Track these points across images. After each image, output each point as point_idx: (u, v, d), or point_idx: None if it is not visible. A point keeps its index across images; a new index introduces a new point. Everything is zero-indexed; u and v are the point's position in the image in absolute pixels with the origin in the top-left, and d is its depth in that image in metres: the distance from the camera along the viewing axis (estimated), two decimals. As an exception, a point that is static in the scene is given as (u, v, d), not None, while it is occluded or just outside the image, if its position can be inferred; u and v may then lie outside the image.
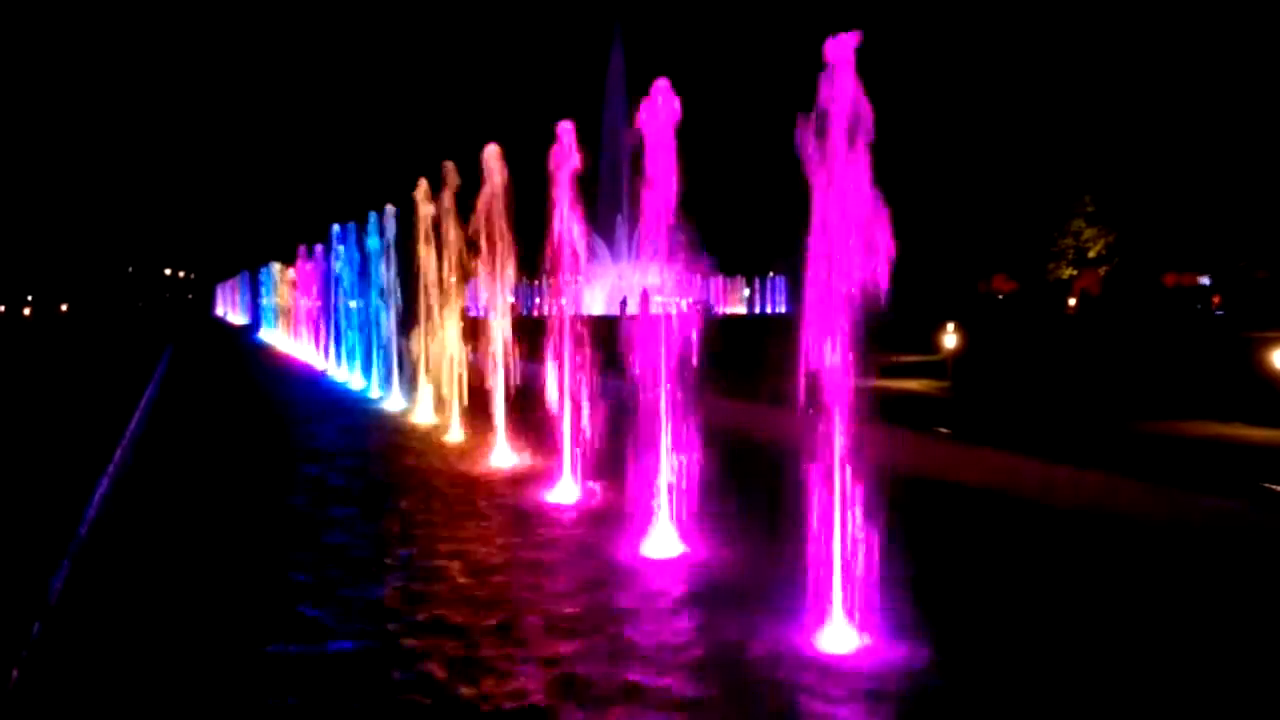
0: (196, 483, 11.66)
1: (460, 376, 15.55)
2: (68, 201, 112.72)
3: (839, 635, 6.08)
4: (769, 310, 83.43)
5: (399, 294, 19.96)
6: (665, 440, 8.29)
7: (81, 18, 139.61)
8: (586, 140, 10.64)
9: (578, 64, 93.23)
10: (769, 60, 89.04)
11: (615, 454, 9.47)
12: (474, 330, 14.98)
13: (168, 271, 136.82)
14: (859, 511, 6.09)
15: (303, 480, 11.82)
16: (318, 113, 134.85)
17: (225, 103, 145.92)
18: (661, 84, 8.21)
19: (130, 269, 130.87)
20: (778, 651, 6.01)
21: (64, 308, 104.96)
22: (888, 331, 6.23)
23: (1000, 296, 78.13)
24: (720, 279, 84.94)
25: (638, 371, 8.35)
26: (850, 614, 6.11)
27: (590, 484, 10.32)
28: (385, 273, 20.58)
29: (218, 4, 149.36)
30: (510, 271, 12.76)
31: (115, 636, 6.46)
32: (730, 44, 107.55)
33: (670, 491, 8.28)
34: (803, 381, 6.15)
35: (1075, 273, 74.75)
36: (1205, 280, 64.14)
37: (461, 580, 7.64)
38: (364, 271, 22.87)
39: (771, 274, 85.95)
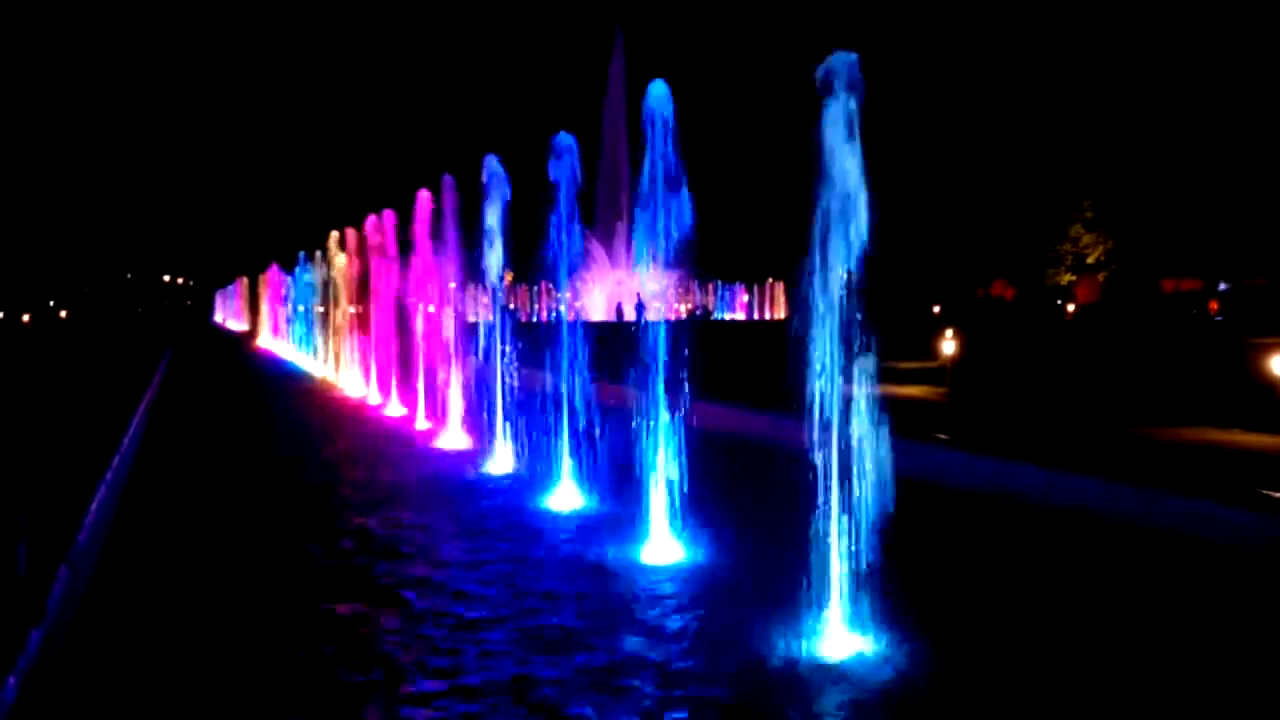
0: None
1: None
2: (67, 208, 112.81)
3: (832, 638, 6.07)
4: (768, 316, 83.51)
5: None
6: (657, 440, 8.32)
7: (81, 23, 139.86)
8: (586, 144, 10.74)
9: (578, 68, 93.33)
10: (770, 67, 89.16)
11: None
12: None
13: (166, 278, 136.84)
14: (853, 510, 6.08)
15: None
16: (317, 118, 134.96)
17: (224, 110, 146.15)
18: (660, 91, 8.19)
19: (129, 275, 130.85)
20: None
21: (64, 314, 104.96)
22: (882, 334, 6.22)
23: (987, 296, 78.25)
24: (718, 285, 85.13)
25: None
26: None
27: None
28: None
29: (217, 11, 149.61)
30: None
31: (116, 638, 6.46)
32: (731, 51, 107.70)
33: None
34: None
35: (1074, 278, 74.81)
36: (1223, 286, 64.13)
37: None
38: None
39: (770, 280, 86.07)
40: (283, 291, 39.49)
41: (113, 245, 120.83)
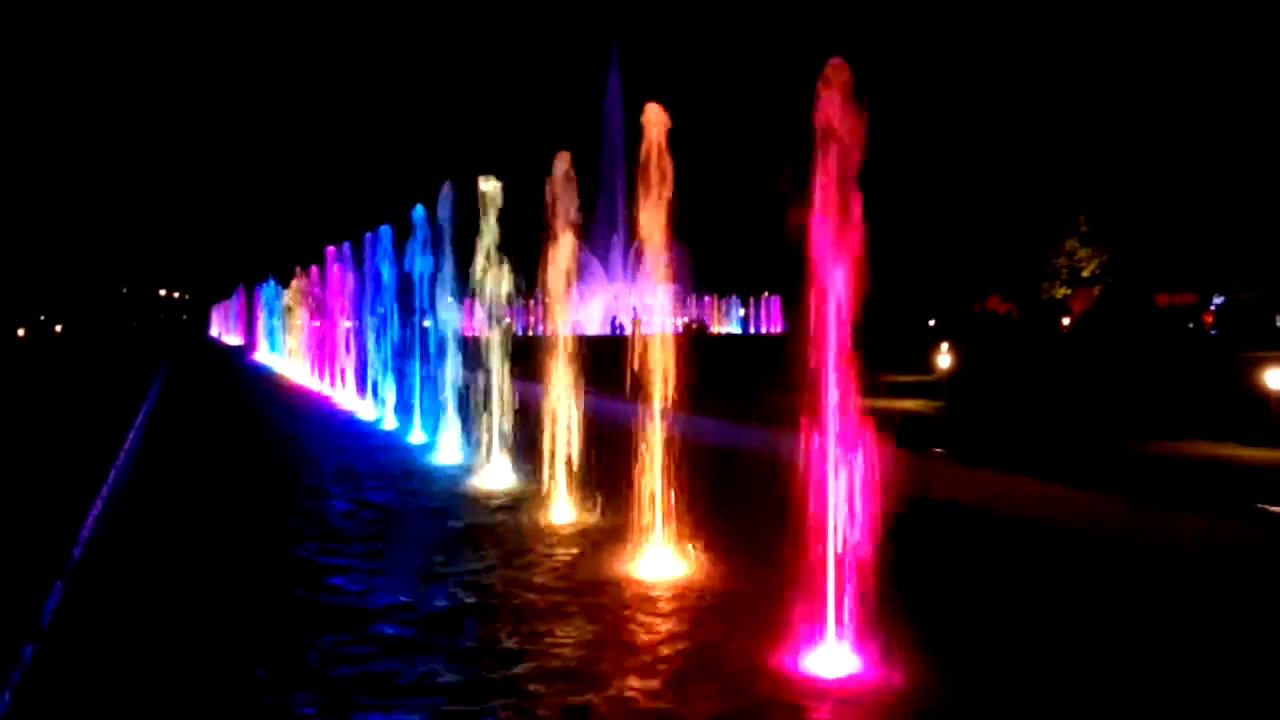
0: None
1: None
2: (62, 223, 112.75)
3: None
4: (764, 330, 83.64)
5: None
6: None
7: (75, 35, 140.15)
8: (584, 158, 10.68)
9: (575, 82, 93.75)
10: (765, 80, 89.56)
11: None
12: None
13: (162, 292, 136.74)
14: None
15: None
16: (312, 134, 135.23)
17: (218, 125, 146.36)
18: (654, 109, 8.18)
19: (125, 290, 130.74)
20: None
21: (59, 329, 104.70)
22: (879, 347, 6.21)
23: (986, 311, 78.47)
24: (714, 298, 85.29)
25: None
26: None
27: None
28: None
29: (213, 22, 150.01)
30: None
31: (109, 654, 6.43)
32: (726, 64, 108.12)
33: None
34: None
35: (1069, 292, 75.00)
36: (1218, 300, 64.34)
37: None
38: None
39: (766, 294, 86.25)
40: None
41: (108, 260, 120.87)
